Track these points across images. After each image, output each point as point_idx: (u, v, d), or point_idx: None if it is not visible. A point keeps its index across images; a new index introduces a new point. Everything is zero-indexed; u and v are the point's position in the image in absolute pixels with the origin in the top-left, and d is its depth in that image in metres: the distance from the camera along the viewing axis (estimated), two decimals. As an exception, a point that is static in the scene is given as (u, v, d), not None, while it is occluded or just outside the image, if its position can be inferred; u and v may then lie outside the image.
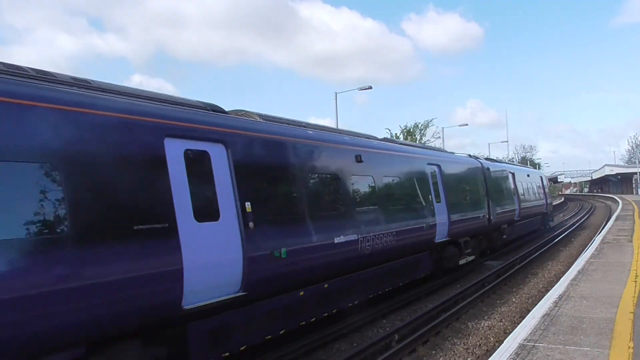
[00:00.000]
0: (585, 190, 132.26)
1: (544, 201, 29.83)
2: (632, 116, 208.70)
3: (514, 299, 13.03)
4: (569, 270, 12.37)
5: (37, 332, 4.83)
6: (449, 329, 10.49)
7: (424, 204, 13.17)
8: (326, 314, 9.55)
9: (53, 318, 4.94)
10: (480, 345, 9.29)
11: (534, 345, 6.44)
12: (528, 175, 27.42)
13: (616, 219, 28.83)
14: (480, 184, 18.19)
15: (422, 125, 50.75)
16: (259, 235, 7.47)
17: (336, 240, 9.27)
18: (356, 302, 10.39)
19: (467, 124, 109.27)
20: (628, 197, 69.67)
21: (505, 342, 6.82)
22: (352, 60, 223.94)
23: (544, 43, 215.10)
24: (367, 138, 12.72)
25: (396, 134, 48.44)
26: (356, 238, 9.84)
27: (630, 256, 13.90)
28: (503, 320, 10.95)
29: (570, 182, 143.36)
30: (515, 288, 14.53)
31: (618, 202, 52.18)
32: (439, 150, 19.80)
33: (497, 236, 19.98)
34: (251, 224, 7.34)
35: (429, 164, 14.22)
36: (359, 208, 10.38)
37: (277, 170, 8.44)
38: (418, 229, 12.60)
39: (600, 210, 52.94)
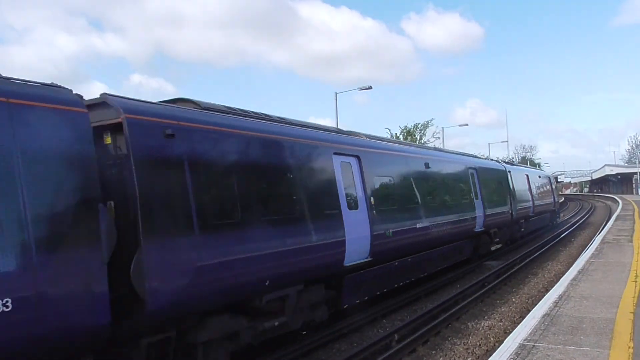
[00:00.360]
0: (585, 190, 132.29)
1: (552, 199, 32.94)
2: (632, 116, 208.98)
3: (514, 299, 13.03)
4: (569, 270, 12.38)
5: (292, 272, 8.27)
6: (449, 329, 10.49)
7: (468, 200, 16.55)
8: (407, 281, 12.80)
9: (298, 265, 8.33)
10: (480, 345, 9.29)
11: (534, 345, 6.44)
12: (539, 177, 30.90)
13: (616, 219, 28.84)
14: (505, 184, 21.36)
15: (421, 125, 50.75)
16: (378, 221, 10.78)
17: (417, 225, 12.62)
18: (423, 275, 13.83)
19: (467, 124, 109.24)
20: (628, 197, 69.67)
21: (505, 342, 6.82)
22: (352, 60, 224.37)
23: (544, 43, 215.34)
24: (426, 149, 18.14)
25: (396, 134, 48.45)
26: (428, 225, 13.18)
27: (630, 256, 13.90)
28: (503, 320, 10.95)
29: (570, 182, 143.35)
30: (515, 288, 14.53)
31: (618, 202, 52.20)
32: (474, 156, 22.98)
33: (517, 229, 23.22)
34: (374, 213, 10.61)
35: (469, 167, 17.54)
36: (429, 203, 13.66)
37: (385, 176, 12.02)
38: (465, 220, 15.93)
39: (600, 210, 52.95)
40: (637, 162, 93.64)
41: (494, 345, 8.95)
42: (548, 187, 32.40)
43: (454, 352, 9.02)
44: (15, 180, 4.86)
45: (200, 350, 6.82)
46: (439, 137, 49.94)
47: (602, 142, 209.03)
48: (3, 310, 4.53)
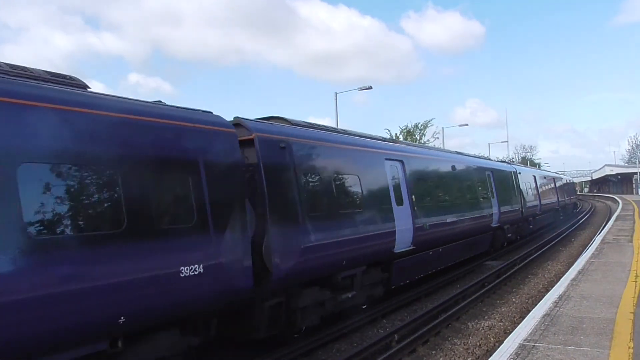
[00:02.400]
0: (586, 190, 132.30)
1: (556, 199, 35.78)
2: (632, 116, 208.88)
3: (514, 299, 13.04)
4: (569, 270, 12.38)
5: (360, 255, 10.18)
6: (449, 329, 10.49)
7: (487, 199, 18.83)
8: (439, 268, 14.77)
9: (353, 253, 9.87)
10: (480, 345, 9.30)
11: (534, 346, 6.44)
12: (545, 177, 34.02)
13: (616, 219, 28.85)
14: (515, 184, 23.62)
15: (421, 125, 50.76)
16: (418, 215, 12.66)
17: (447, 220, 14.53)
18: (451, 263, 15.76)
19: (467, 124, 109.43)
20: (628, 197, 69.71)
21: (505, 342, 6.82)
22: (352, 60, 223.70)
23: (544, 42, 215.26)
24: (452, 153, 19.40)
25: (396, 133, 48.46)
26: (456, 220, 15.09)
27: (630, 256, 13.91)
28: (503, 320, 10.95)
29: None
30: (516, 288, 14.53)
31: (618, 202, 52.22)
32: (488, 158, 26.18)
33: (526, 226, 25.58)
34: (415, 208, 12.54)
35: (487, 169, 19.64)
36: (457, 200, 15.79)
37: (422, 177, 13.96)
38: (485, 216, 18.16)
39: (600, 210, 52.96)
40: (637, 162, 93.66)
41: (494, 345, 8.95)
42: (553, 187, 35.14)
43: (454, 352, 9.02)
44: (201, 181, 6.83)
45: (299, 314, 8.83)
46: (438, 137, 49.98)
47: (602, 142, 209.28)
48: (199, 273, 6.56)
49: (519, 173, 24.85)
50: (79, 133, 5.60)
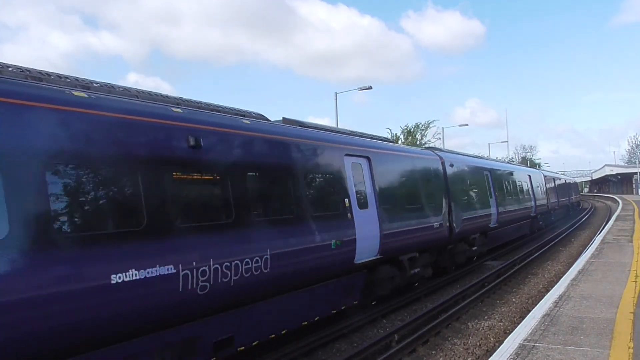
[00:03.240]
0: (585, 190, 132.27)
1: (567, 197, 42.43)
2: (632, 116, 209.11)
3: (514, 299, 13.04)
4: (569, 271, 12.38)
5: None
6: (449, 329, 10.49)
7: (528, 195, 23.41)
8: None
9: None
10: (480, 345, 9.30)
11: (534, 346, 6.44)
12: (559, 179, 39.63)
13: (616, 219, 28.84)
14: (543, 185, 28.71)
15: (422, 125, 50.78)
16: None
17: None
18: (507, 240, 20.89)
19: (467, 124, 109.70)
20: (628, 197, 69.69)
21: (505, 342, 6.82)
22: (351, 59, 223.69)
23: (543, 42, 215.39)
24: (501, 162, 23.64)
25: (396, 134, 48.46)
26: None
27: (630, 256, 13.90)
28: (503, 320, 10.95)
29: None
30: (516, 288, 14.53)
31: (618, 202, 52.20)
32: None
33: (536, 223, 28.46)
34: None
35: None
36: (516, 197, 21.22)
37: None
38: (528, 208, 22.81)
39: (600, 210, 52.95)
40: (637, 162, 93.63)
41: (494, 345, 8.95)
42: (556, 187, 38.20)
43: (454, 352, 9.02)
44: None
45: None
46: (439, 138, 50.00)
47: (602, 142, 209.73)
48: (435, 227, 12.02)
49: (529, 175, 28.11)
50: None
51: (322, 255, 8.77)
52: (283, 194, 8.50)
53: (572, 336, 6.79)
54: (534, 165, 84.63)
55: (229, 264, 6.73)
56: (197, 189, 7.13)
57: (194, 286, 6.22)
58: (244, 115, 8.55)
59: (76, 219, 5.37)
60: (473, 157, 22.27)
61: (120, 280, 5.36)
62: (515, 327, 8.14)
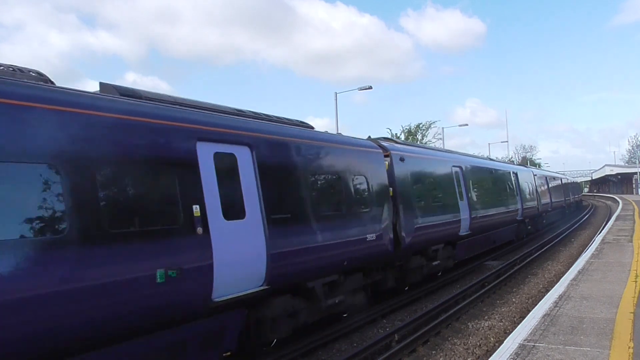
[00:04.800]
0: (585, 190, 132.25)
1: (563, 198, 41.26)
2: (632, 116, 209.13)
3: (514, 299, 13.04)
4: (569, 271, 12.37)
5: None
6: (449, 329, 10.49)
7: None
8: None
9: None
10: (480, 345, 9.30)
11: (534, 346, 6.44)
12: (554, 179, 38.57)
13: (616, 219, 28.84)
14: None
15: (423, 126, 50.82)
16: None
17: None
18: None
19: (467, 124, 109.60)
20: (628, 197, 69.69)
21: (505, 342, 6.81)
22: (351, 59, 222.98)
23: (544, 42, 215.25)
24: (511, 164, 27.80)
25: (396, 134, 48.48)
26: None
27: (631, 256, 13.90)
28: (503, 320, 10.95)
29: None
30: (516, 288, 14.53)
31: (618, 202, 52.19)
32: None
33: (541, 220, 30.15)
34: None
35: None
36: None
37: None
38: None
39: (600, 210, 52.95)
40: (637, 162, 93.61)
41: (494, 345, 8.95)
42: (559, 186, 39.55)
43: (454, 352, 9.02)
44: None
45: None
46: (440, 138, 50.03)
47: (602, 142, 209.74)
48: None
49: (536, 175, 29.83)
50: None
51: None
52: None
53: (572, 336, 6.79)
54: (534, 165, 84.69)
55: None
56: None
57: None
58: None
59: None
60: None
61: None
62: (516, 327, 8.14)
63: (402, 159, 12.87)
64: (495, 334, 9.94)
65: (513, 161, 69.13)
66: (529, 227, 27.04)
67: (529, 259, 19.10)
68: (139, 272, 5.77)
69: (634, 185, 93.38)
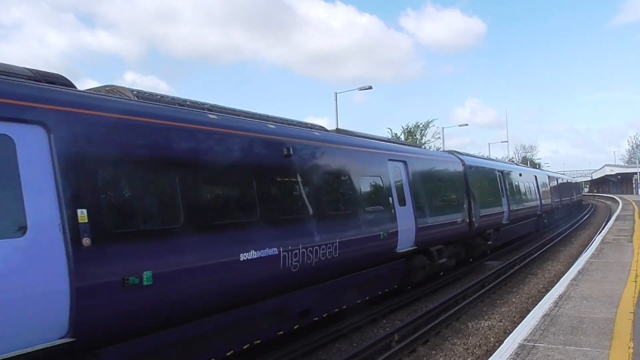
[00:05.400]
0: (585, 190, 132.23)
1: (569, 197, 45.37)
2: (632, 116, 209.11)
3: (514, 299, 13.04)
4: (569, 271, 12.37)
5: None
6: (449, 329, 10.49)
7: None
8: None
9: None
10: (480, 345, 9.30)
11: (534, 346, 6.44)
12: (562, 180, 43.12)
13: (616, 219, 28.84)
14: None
15: (422, 125, 50.81)
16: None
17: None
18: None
19: (467, 124, 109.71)
20: (628, 197, 69.68)
21: (505, 342, 6.81)
22: (351, 58, 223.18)
23: (544, 42, 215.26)
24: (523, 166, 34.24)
25: (396, 134, 48.48)
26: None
27: (630, 256, 13.90)
28: (503, 320, 10.95)
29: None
30: (515, 288, 14.53)
31: (618, 202, 52.18)
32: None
33: (542, 221, 31.36)
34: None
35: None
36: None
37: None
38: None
39: (600, 210, 52.94)
40: (637, 162, 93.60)
41: (494, 345, 8.95)
42: (558, 186, 41.49)
43: (454, 352, 9.02)
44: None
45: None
46: (439, 137, 50.03)
47: (602, 142, 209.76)
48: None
49: (535, 175, 31.99)
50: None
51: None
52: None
53: (572, 336, 6.79)
54: (535, 165, 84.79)
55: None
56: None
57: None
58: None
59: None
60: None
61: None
62: (515, 327, 8.14)
63: (470, 167, 17.66)
64: (495, 334, 9.94)
65: (530, 162, 70.63)
66: (545, 220, 31.71)
67: (528, 259, 19.10)
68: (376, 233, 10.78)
69: (634, 185, 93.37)
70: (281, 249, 7.81)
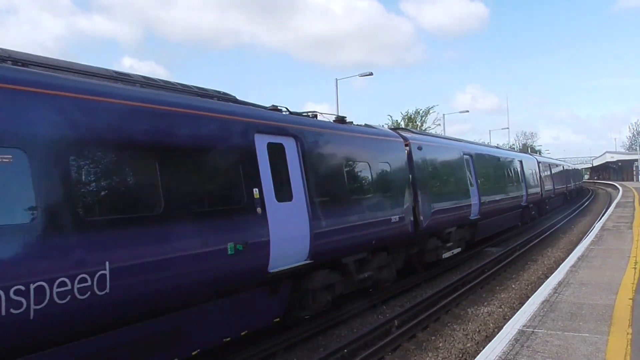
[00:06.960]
0: (586, 177, 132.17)
1: (564, 185, 43.11)
2: (634, 103, 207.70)
3: (513, 286, 13.09)
4: (569, 257, 12.41)
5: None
6: (448, 315, 10.55)
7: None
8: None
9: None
10: (479, 331, 9.35)
11: (533, 331, 6.48)
12: (556, 166, 40.64)
13: (616, 206, 28.85)
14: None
15: (422, 111, 50.62)
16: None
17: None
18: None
19: (467, 111, 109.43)
20: (629, 184, 69.65)
21: (504, 328, 6.86)
22: (350, 43, 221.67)
23: (546, 28, 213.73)
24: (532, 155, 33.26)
25: (396, 120, 48.34)
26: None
27: (630, 243, 13.93)
28: (502, 306, 11.01)
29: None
30: (515, 275, 14.59)
31: (618, 189, 52.18)
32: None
33: (528, 213, 28.99)
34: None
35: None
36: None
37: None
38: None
39: (600, 197, 52.97)
40: (638, 149, 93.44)
41: (494, 331, 9.01)
42: (560, 173, 41.18)
43: (454, 337, 9.08)
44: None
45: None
46: (439, 124, 49.87)
47: (603, 128, 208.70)
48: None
49: (540, 162, 31.70)
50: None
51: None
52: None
53: (571, 322, 6.83)
54: (535, 152, 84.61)
55: None
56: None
57: None
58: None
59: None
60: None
61: None
62: (515, 313, 8.17)
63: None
64: (495, 320, 10.00)
65: (514, 148, 69.80)
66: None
67: (529, 246, 19.16)
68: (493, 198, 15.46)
69: (634, 172, 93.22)
70: None
